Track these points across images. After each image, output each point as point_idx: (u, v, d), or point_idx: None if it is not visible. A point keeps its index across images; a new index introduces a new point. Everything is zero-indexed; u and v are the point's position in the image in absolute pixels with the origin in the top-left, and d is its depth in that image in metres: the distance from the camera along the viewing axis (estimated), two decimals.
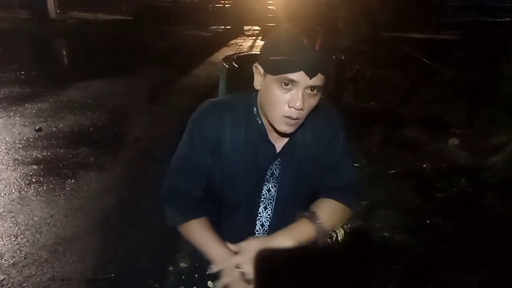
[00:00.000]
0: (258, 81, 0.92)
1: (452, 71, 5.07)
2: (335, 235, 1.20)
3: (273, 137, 0.98)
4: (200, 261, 1.16)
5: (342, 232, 1.27)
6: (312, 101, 0.89)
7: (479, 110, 3.83)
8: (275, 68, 0.84)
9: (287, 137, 0.98)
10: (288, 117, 0.87)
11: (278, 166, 1.02)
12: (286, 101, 0.86)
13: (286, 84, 0.84)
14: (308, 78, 0.83)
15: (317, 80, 0.84)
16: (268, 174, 1.02)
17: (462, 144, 3.25)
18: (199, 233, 1.00)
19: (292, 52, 0.82)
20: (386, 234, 2.25)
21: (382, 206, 2.51)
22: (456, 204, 2.54)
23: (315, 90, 0.87)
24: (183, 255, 1.21)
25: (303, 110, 0.87)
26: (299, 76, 0.83)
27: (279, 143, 1.00)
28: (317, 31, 0.86)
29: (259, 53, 0.92)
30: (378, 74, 5.45)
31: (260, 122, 0.97)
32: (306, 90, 0.85)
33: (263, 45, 0.91)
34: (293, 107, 0.85)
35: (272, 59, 0.84)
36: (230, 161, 0.99)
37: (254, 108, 0.97)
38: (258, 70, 0.92)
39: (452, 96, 4.44)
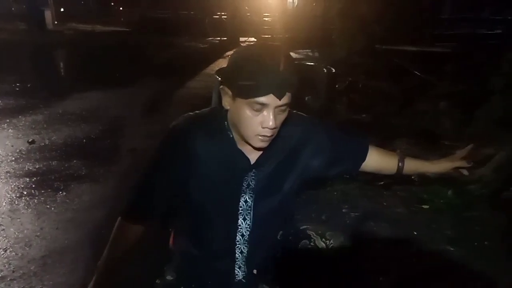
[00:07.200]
0: (227, 102, 0.94)
1: (444, 84, 5.15)
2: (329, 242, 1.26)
3: (247, 149, 1.02)
4: (187, 274, 1.19)
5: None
6: (283, 116, 0.94)
7: (470, 123, 3.88)
8: (244, 93, 0.88)
9: (261, 150, 1.01)
10: (262, 135, 0.92)
11: (253, 177, 1.05)
12: (259, 122, 0.90)
13: (257, 107, 0.88)
14: (278, 99, 0.87)
15: (286, 99, 0.89)
16: (244, 185, 1.05)
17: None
18: (117, 238, 1.09)
19: (259, 76, 0.85)
20: (374, 246, 2.27)
21: (371, 218, 2.53)
22: (444, 216, 2.56)
23: (284, 107, 0.91)
24: (170, 268, 1.24)
25: (276, 128, 0.91)
26: (269, 99, 0.87)
27: (253, 155, 1.03)
28: (279, 49, 0.89)
29: (224, 75, 0.93)
30: (372, 86, 5.51)
31: (231, 136, 1.00)
32: (276, 109, 0.89)
33: (228, 68, 0.92)
34: (267, 127, 0.90)
35: (240, 84, 0.87)
36: (206, 173, 1.02)
37: (226, 122, 1.01)
38: (225, 91, 0.93)
39: (444, 109, 4.50)
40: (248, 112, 0.89)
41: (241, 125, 0.93)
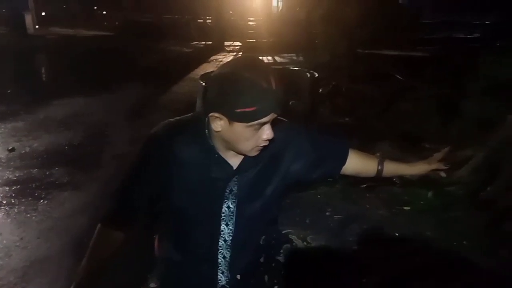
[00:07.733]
0: (219, 126, 0.94)
1: (424, 87, 5.27)
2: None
3: (228, 155, 1.03)
4: (170, 280, 1.19)
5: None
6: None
7: (450, 125, 3.99)
8: (245, 118, 0.90)
9: (243, 155, 1.03)
10: (261, 146, 0.97)
11: (236, 183, 1.05)
12: (259, 137, 0.94)
13: (258, 127, 0.92)
14: (276, 114, 0.92)
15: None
16: (227, 191, 1.05)
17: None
18: (97, 245, 1.08)
19: (259, 101, 0.87)
20: (357, 247, 2.31)
21: (354, 220, 2.57)
22: (425, 217, 2.62)
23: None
24: (153, 276, 1.24)
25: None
26: (269, 117, 0.91)
27: (235, 160, 1.04)
28: (265, 66, 0.91)
29: (214, 103, 0.91)
30: (355, 90, 5.60)
31: (211, 144, 1.01)
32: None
33: (219, 96, 0.90)
34: (267, 139, 0.95)
35: (240, 111, 0.88)
36: (187, 179, 1.03)
37: (206, 130, 1.01)
38: (217, 117, 0.92)
39: (425, 111, 4.61)
40: (249, 133, 0.92)
41: (239, 144, 0.96)
